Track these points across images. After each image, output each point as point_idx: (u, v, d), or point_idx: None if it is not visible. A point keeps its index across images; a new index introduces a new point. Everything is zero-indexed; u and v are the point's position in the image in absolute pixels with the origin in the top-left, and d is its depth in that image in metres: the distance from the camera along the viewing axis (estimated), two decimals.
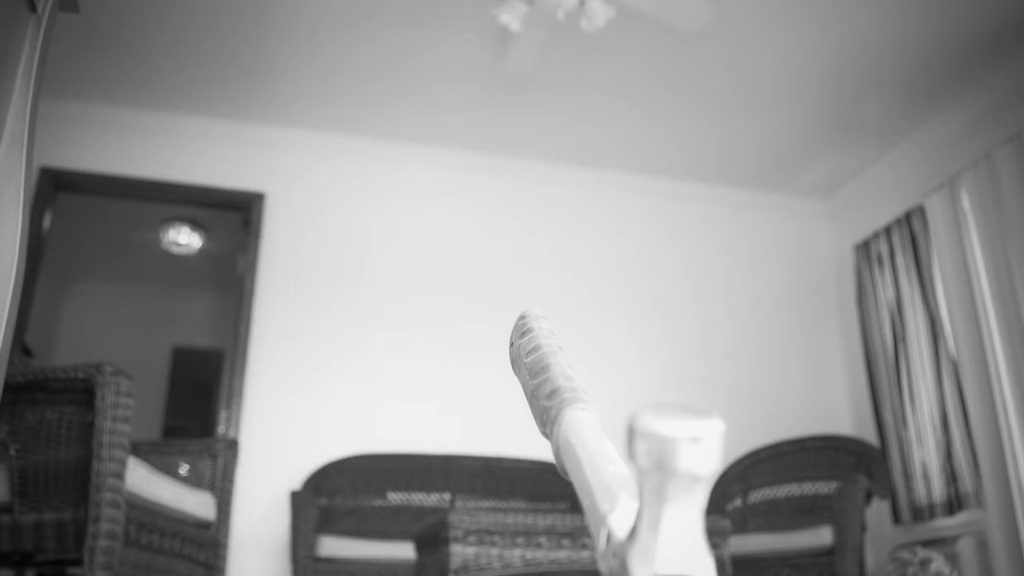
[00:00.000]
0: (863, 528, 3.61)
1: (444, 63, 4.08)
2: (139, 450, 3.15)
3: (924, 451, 4.30)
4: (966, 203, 4.21)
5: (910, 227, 4.58)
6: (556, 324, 0.84)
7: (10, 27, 1.15)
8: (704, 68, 4.11)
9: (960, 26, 3.80)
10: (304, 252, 4.50)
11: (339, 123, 4.60)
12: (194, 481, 3.19)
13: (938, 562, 3.63)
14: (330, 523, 3.82)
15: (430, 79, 4.20)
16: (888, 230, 4.74)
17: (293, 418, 4.19)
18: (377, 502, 4.04)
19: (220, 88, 4.29)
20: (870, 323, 4.75)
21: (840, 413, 4.97)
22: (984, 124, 4.27)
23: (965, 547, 3.90)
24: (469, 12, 3.71)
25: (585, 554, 2.48)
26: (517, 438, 4.25)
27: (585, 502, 0.55)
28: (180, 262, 6.41)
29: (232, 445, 3.29)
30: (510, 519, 2.47)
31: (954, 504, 4.11)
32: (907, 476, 4.36)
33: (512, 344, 0.81)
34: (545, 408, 0.69)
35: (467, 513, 2.45)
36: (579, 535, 2.50)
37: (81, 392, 2.34)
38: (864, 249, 4.90)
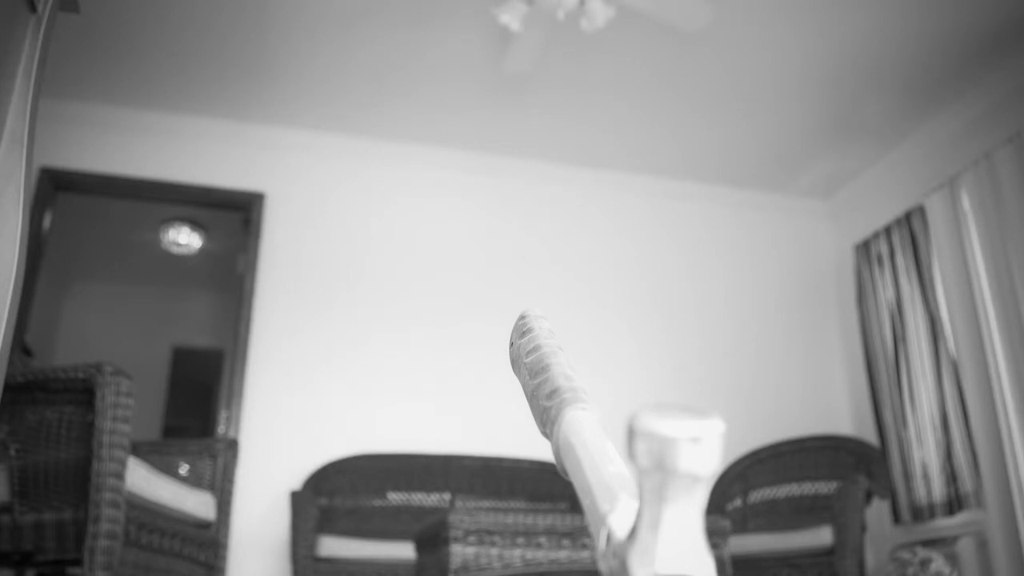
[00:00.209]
0: (863, 528, 3.61)
1: (444, 63, 4.08)
2: (139, 450, 3.15)
3: (924, 451, 4.30)
4: (966, 203, 4.21)
5: (910, 227, 4.58)
6: (556, 324, 0.84)
7: (10, 27, 1.15)
8: (704, 68, 4.11)
9: (960, 26, 3.80)
10: (304, 252, 4.50)
11: (339, 123, 4.60)
12: (194, 481, 3.19)
13: (938, 562, 3.63)
14: (330, 523, 3.82)
15: (430, 79, 4.20)
16: (888, 230, 4.74)
17: (293, 418, 4.19)
18: (377, 502, 4.04)
19: (220, 88, 4.29)
20: (870, 323, 4.75)
21: (840, 413, 4.97)
22: (984, 124, 4.27)
23: (965, 547, 3.90)
24: (469, 12, 3.71)
25: (585, 554, 2.48)
26: (517, 438, 4.25)
27: (585, 502, 0.55)
28: (180, 262, 6.41)
29: (232, 445, 3.29)
30: (510, 519, 2.47)
31: (954, 504, 4.11)
32: (907, 476, 4.36)
33: (512, 344, 0.81)
34: (545, 408, 0.69)
35: (467, 513, 2.45)
36: (579, 535, 2.50)
37: (81, 392, 2.34)
38: (864, 249, 4.90)
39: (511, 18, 3.22)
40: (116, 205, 5.48)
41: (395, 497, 4.08)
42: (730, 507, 4.27)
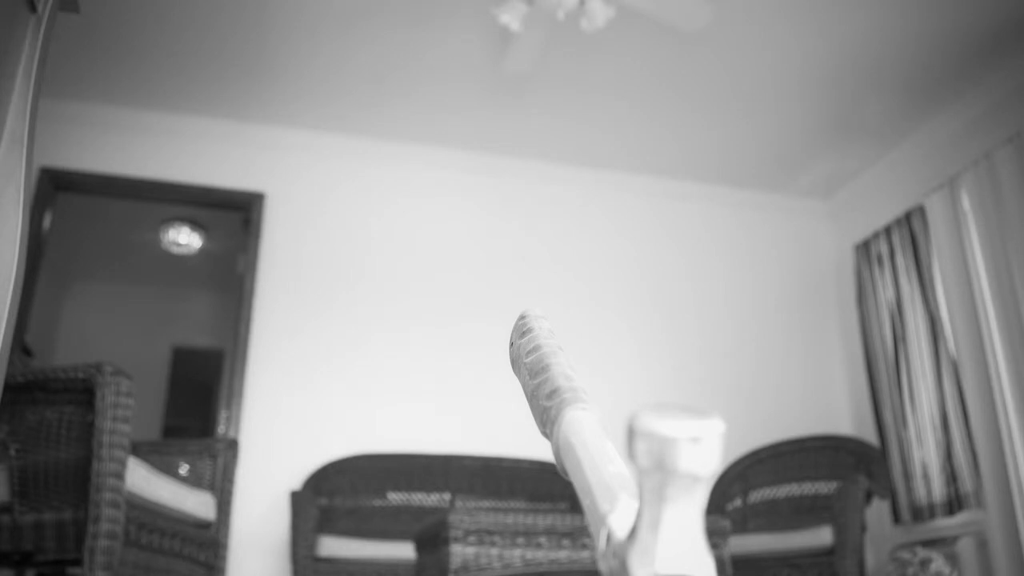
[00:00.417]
0: (863, 528, 3.61)
1: (444, 63, 4.08)
2: (139, 450, 3.15)
3: (924, 451, 4.30)
4: (966, 203, 4.21)
5: (910, 227, 4.58)
6: (556, 324, 0.84)
7: (10, 27, 1.15)
8: (704, 68, 4.11)
9: (960, 26, 3.80)
10: (304, 252, 4.50)
11: (339, 123, 4.60)
12: (194, 481, 3.19)
13: (938, 562, 3.63)
14: (330, 523, 3.82)
15: (430, 79, 4.20)
16: (888, 230, 4.74)
17: (293, 418, 4.19)
18: (377, 502, 4.04)
19: (220, 88, 4.29)
20: (870, 323, 4.75)
21: (840, 413, 4.97)
22: (984, 124, 4.27)
23: (965, 547, 3.90)
24: (469, 12, 3.71)
25: (585, 554, 2.48)
26: (517, 438, 4.25)
27: (585, 502, 0.55)
28: (180, 262, 6.41)
29: (232, 445, 3.29)
30: (510, 519, 2.47)
31: (954, 504, 4.11)
32: (907, 476, 4.36)
33: (512, 344, 0.81)
34: (545, 408, 0.69)
35: (467, 513, 2.45)
36: (579, 535, 2.50)
37: (81, 392, 2.34)
38: (864, 249, 4.90)
39: (511, 18, 3.22)
40: (116, 205, 5.48)
41: (395, 497, 4.08)
42: (730, 507, 4.27)
